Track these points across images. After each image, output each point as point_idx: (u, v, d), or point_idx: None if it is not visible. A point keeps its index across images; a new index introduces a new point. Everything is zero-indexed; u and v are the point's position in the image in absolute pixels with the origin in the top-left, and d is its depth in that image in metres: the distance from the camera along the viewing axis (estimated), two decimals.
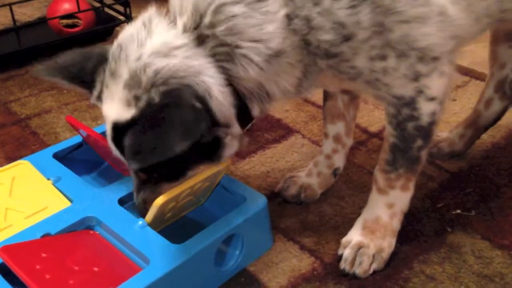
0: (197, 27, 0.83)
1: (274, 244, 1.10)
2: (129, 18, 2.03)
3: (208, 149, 0.88)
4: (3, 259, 0.86)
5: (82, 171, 1.19)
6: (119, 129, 0.83)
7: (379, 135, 1.48)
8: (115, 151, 0.88)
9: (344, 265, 1.03)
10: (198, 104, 0.80)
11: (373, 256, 1.04)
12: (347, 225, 1.14)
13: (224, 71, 0.84)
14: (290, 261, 1.07)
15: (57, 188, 1.05)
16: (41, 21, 1.97)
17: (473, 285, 1.02)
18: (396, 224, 1.06)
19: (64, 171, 1.10)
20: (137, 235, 0.94)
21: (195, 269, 0.93)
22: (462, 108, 1.59)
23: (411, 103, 0.93)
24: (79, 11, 1.90)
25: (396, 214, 1.05)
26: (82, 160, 1.21)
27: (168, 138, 0.75)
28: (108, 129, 0.87)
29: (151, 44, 0.83)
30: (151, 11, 0.88)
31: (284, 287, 1.01)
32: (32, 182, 1.07)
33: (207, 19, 0.82)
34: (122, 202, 1.03)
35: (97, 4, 2.07)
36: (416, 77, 0.90)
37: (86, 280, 0.87)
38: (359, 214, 1.14)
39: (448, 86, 0.94)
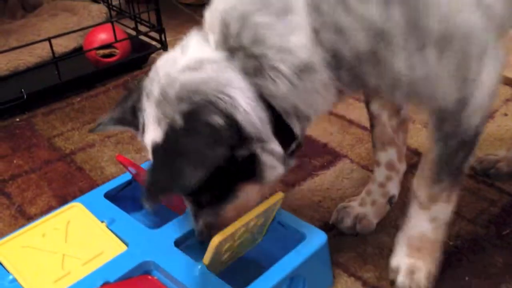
0: (225, 40, 0.81)
1: (335, 281, 1.06)
2: (164, 45, 2.03)
3: (247, 167, 0.84)
4: None
5: (133, 210, 1.16)
6: (156, 153, 0.83)
7: None
8: None
9: None
10: (219, 121, 0.77)
11: (426, 276, 1.00)
12: None
13: (255, 85, 0.81)
14: None
15: (111, 230, 1.04)
16: (79, 53, 1.98)
17: None
18: (440, 236, 1.02)
19: (117, 212, 1.08)
20: (198, 279, 0.91)
21: None
22: None
23: (453, 117, 0.87)
24: (116, 41, 1.90)
25: (439, 227, 1.01)
26: (132, 198, 1.19)
27: (181, 171, 0.73)
28: (150, 156, 0.86)
29: (184, 61, 0.83)
30: (191, 33, 0.87)
31: None
32: (86, 225, 1.05)
33: (232, 29, 0.80)
34: (178, 243, 1.00)
35: (132, 32, 2.08)
36: (463, 81, 0.84)
37: None
38: None
39: (493, 94, 0.88)
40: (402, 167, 1.19)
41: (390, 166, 1.17)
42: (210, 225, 0.93)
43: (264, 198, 0.98)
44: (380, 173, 1.18)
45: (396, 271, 1.03)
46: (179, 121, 0.78)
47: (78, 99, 1.81)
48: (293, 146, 0.89)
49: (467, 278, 1.04)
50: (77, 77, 1.85)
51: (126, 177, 1.20)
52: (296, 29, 0.78)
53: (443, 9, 0.78)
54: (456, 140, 0.90)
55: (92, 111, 1.74)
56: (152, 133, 0.83)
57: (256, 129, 0.81)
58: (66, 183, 1.41)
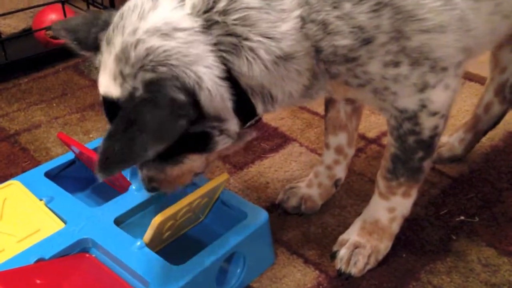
0: (208, 11, 0.78)
1: (277, 258, 1.07)
2: None
3: (198, 140, 0.84)
4: None
5: (75, 189, 1.15)
6: (108, 102, 0.82)
7: (377, 141, 1.46)
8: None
9: (340, 264, 1.04)
10: (181, 97, 0.75)
11: (369, 256, 1.03)
12: None
13: (226, 62, 0.79)
14: (295, 275, 1.04)
15: (50, 208, 1.01)
16: (27, 33, 1.92)
17: None
18: (395, 228, 1.06)
19: (57, 191, 1.06)
20: (135, 256, 0.90)
21: None
22: (458, 111, 1.57)
23: (413, 118, 0.91)
24: None
25: (396, 218, 1.05)
26: (75, 177, 1.17)
27: (139, 143, 0.72)
28: (101, 97, 0.84)
29: (152, 19, 0.78)
30: None
31: None
32: (24, 203, 1.02)
33: (221, 5, 0.77)
34: (118, 222, 0.99)
35: (83, 13, 2.03)
36: (423, 88, 0.88)
37: None
38: None
39: (453, 100, 0.92)
40: (351, 152, 1.20)
41: (339, 150, 1.18)
42: (152, 179, 0.92)
43: (210, 174, 0.98)
44: (328, 156, 1.19)
45: (341, 244, 1.06)
46: (140, 90, 0.76)
47: (26, 80, 1.76)
48: (252, 121, 0.89)
49: (404, 255, 1.07)
50: (25, 57, 1.79)
51: (69, 156, 1.17)
52: (286, 18, 0.78)
53: (428, 23, 0.81)
54: (414, 138, 0.93)
55: (40, 92, 1.69)
56: (107, 84, 0.80)
57: (216, 109, 0.80)
58: (9, 164, 1.37)
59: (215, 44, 0.78)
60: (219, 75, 0.78)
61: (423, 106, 0.90)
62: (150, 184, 0.92)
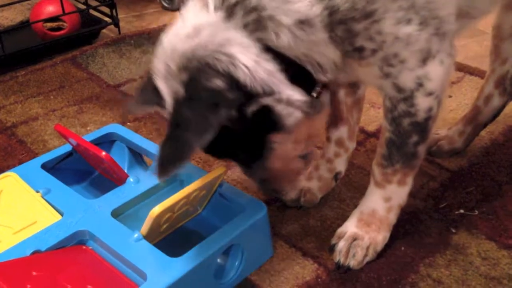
0: None
1: (276, 251, 1.06)
2: (115, 20, 1.98)
3: (263, 120, 0.84)
4: None
5: (72, 181, 1.14)
6: None
7: (376, 134, 1.45)
8: None
9: (338, 257, 1.03)
10: (219, 83, 0.76)
11: (367, 248, 1.03)
12: None
13: (261, 40, 0.79)
14: (293, 268, 1.03)
15: (46, 200, 1.01)
16: (25, 25, 1.91)
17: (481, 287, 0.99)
18: (392, 217, 1.05)
19: (54, 183, 1.05)
20: (133, 249, 0.90)
21: (194, 283, 0.88)
22: (458, 104, 1.56)
23: (409, 98, 0.90)
24: (64, 14, 1.84)
25: (392, 208, 1.04)
26: (72, 169, 1.16)
27: (183, 141, 0.76)
28: None
29: (184, 30, 0.81)
30: (187, 2, 0.85)
31: None
32: (20, 195, 1.02)
33: None
34: (115, 214, 0.98)
35: (82, 6, 2.02)
36: (426, 58, 0.87)
37: None
38: None
39: (446, 81, 0.91)
40: (352, 145, 1.20)
41: (340, 143, 1.18)
42: (264, 182, 0.94)
43: (208, 167, 0.98)
44: (329, 149, 1.19)
45: (340, 237, 1.06)
46: (181, 91, 0.79)
47: (23, 72, 1.75)
48: (317, 88, 0.88)
49: (403, 248, 1.07)
50: (22, 49, 1.78)
51: (66, 148, 1.16)
52: None
53: None
54: (409, 120, 0.92)
55: (37, 85, 1.68)
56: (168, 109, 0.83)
57: (263, 82, 0.80)
58: (6, 156, 1.36)
59: (242, 26, 0.79)
60: (254, 50, 0.79)
61: (420, 85, 0.89)
62: (267, 189, 0.95)
